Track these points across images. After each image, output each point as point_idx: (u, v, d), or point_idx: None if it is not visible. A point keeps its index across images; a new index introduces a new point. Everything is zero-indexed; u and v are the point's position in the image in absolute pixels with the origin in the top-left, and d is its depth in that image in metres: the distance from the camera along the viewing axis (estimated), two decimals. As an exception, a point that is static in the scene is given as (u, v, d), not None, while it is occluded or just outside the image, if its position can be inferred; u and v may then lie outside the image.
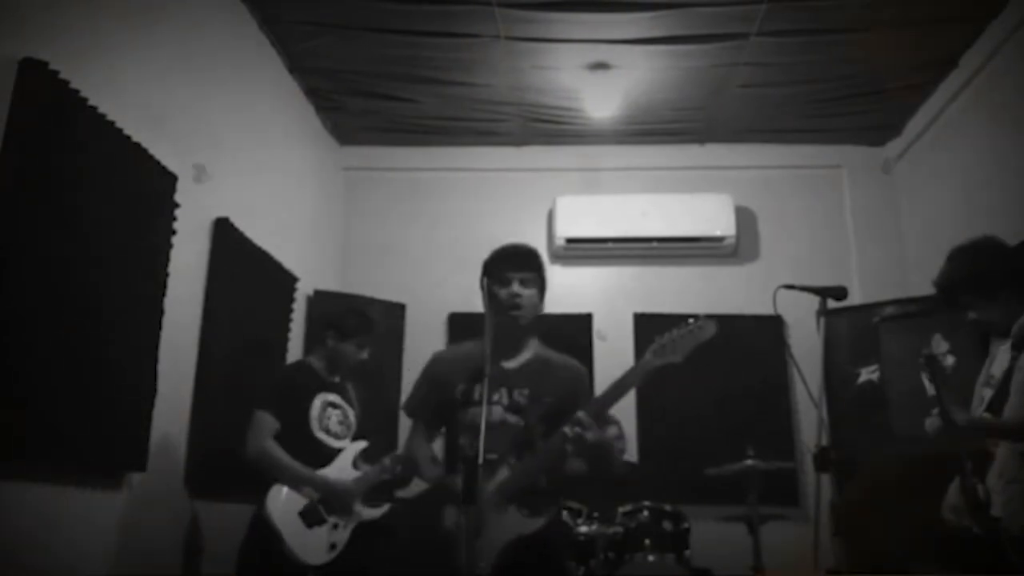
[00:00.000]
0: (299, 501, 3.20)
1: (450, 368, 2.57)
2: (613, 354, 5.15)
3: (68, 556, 2.68)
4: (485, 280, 2.45)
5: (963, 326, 2.75)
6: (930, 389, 2.51)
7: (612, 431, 4.11)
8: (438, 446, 2.63)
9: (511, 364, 2.47)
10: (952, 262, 2.74)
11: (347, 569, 3.25)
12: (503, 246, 2.60)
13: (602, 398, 2.37)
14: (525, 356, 2.53)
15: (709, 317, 2.36)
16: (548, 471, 2.45)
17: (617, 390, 2.36)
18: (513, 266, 2.51)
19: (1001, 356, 2.63)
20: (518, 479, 2.35)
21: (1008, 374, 2.54)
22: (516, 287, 2.46)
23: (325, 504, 3.25)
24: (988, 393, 2.63)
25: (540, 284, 2.55)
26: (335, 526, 3.27)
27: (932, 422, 2.56)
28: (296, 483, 3.22)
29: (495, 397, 2.37)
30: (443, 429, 2.62)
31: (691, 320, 2.36)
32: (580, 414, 2.30)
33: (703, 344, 2.33)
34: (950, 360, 2.81)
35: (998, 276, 2.62)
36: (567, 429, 2.28)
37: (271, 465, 3.21)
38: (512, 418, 2.43)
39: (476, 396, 2.42)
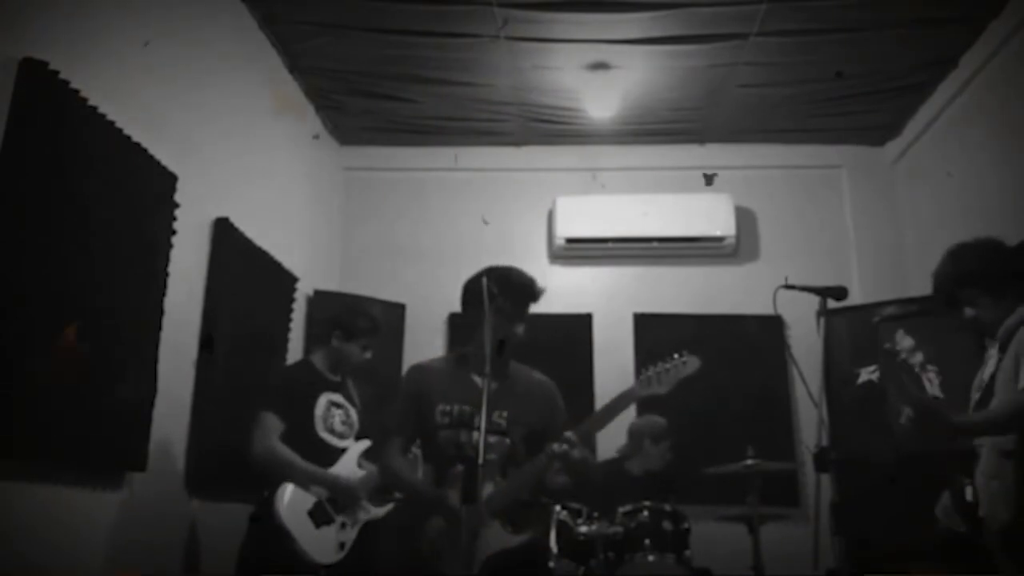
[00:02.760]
0: (306, 501, 3.20)
1: (430, 386, 2.60)
2: (613, 354, 5.17)
3: (68, 556, 2.68)
4: (493, 299, 2.46)
5: (959, 324, 2.75)
6: (894, 381, 2.56)
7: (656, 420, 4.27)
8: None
9: (491, 383, 2.48)
10: (954, 258, 2.73)
11: (356, 568, 3.26)
12: (522, 276, 2.64)
13: (590, 422, 2.48)
14: (502, 376, 2.57)
15: (692, 353, 2.50)
16: (533, 486, 2.50)
17: (606, 415, 2.48)
18: (526, 308, 2.58)
19: (992, 360, 2.64)
20: (504, 494, 2.40)
21: (993, 376, 2.57)
22: (517, 327, 2.54)
23: (333, 503, 3.26)
24: (978, 396, 2.64)
25: (528, 319, 2.64)
26: (343, 525, 3.28)
27: (907, 414, 2.59)
28: (306, 481, 3.22)
29: (475, 421, 2.41)
30: (416, 445, 2.66)
31: (676, 356, 2.49)
32: (568, 433, 2.41)
33: (687, 378, 2.48)
34: (919, 356, 2.84)
35: (1004, 275, 2.62)
36: (555, 446, 2.35)
37: (280, 464, 3.21)
38: (493, 439, 2.47)
39: (456, 419, 2.50)
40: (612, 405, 2.48)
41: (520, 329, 2.57)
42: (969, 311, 2.67)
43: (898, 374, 2.54)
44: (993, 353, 2.64)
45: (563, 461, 2.41)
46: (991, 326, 2.64)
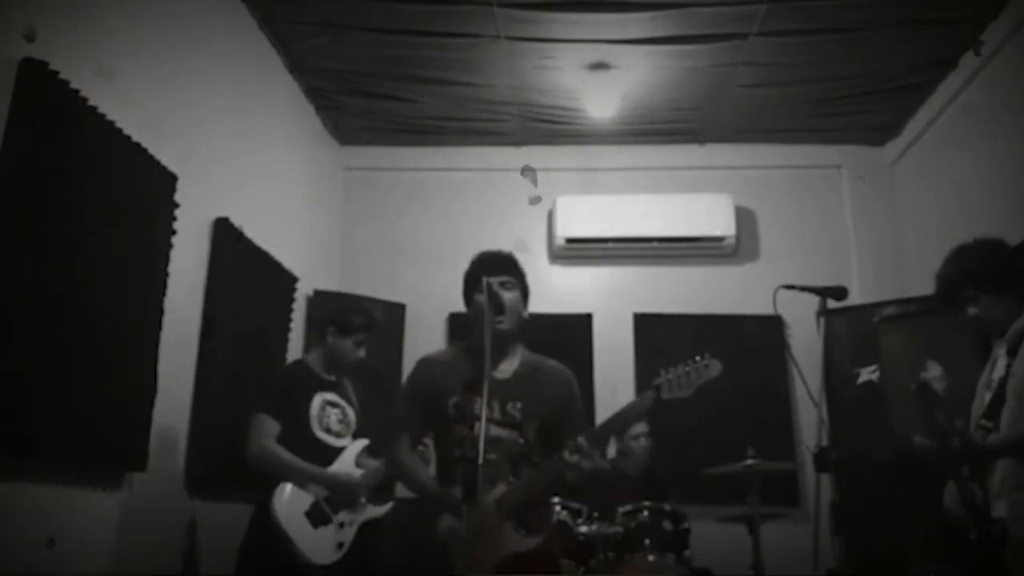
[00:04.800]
0: (304, 501, 3.20)
1: (439, 379, 2.52)
2: (613, 354, 5.17)
3: (68, 556, 2.68)
4: (468, 289, 2.46)
5: (962, 324, 2.75)
6: (924, 415, 2.53)
7: (640, 428, 4.26)
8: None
9: (500, 374, 2.43)
10: (957, 259, 2.73)
11: (354, 568, 3.25)
12: (479, 254, 2.60)
13: (604, 426, 2.39)
14: (513, 365, 2.50)
15: (715, 357, 2.37)
16: (548, 487, 2.44)
17: (620, 420, 2.39)
18: (491, 271, 2.47)
19: (1000, 361, 2.63)
20: (517, 496, 2.32)
21: (1004, 380, 2.55)
22: (496, 290, 2.42)
23: (331, 501, 3.26)
24: (987, 397, 2.63)
25: (521, 288, 2.54)
26: (341, 525, 3.27)
27: (922, 442, 2.55)
28: (302, 480, 3.22)
29: (487, 413, 2.31)
30: (427, 440, 2.62)
31: (699, 358, 2.36)
32: (580, 439, 2.29)
33: (710, 382, 2.34)
34: (942, 384, 2.86)
35: (1006, 275, 2.62)
36: (566, 454, 2.28)
37: (275, 464, 3.20)
38: (505, 433, 2.39)
39: (467, 411, 2.41)
40: (627, 409, 2.40)
41: (497, 290, 2.43)
42: (971, 310, 2.66)
43: (928, 406, 2.53)
44: (1001, 354, 2.62)
45: (574, 471, 2.33)
46: (994, 325, 2.64)
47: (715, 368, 2.35)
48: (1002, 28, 4.04)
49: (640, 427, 4.23)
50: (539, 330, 2.75)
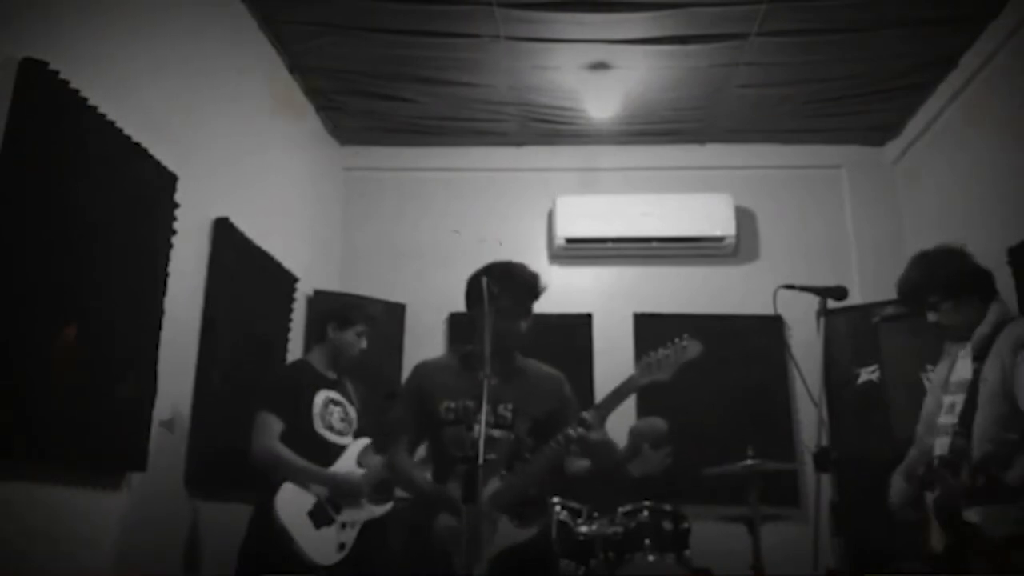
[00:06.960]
0: (307, 501, 3.20)
1: (434, 383, 2.58)
2: (613, 354, 5.17)
3: (68, 556, 2.68)
4: (493, 298, 2.45)
5: (925, 329, 2.78)
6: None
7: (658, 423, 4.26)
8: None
9: (493, 379, 2.44)
10: (914, 266, 2.83)
11: (356, 568, 3.25)
12: (523, 272, 2.63)
13: (597, 409, 2.43)
14: (507, 370, 2.55)
15: (693, 338, 2.44)
16: (545, 477, 2.47)
17: (609, 404, 2.43)
18: (527, 304, 2.57)
19: (961, 364, 2.68)
20: (511, 490, 2.38)
21: (973, 385, 2.57)
22: (520, 323, 2.53)
23: (332, 501, 3.26)
24: (949, 400, 2.66)
25: (532, 314, 2.62)
26: (343, 525, 3.27)
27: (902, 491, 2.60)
28: (305, 480, 3.22)
29: (479, 417, 2.37)
30: (423, 444, 2.65)
31: (677, 340, 2.42)
32: (585, 414, 2.37)
33: (688, 363, 2.41)
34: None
35: (962, 281, 2.70)
36: (571, 430, 2.33)
37: (280, 464, 3.21)
38: (498, 433, 2.45)
39: (461, 414, 2.48)
40: (613, 395, 2.44)
41: (523, 326, 2.56)
42: (932, 316, 2.74)
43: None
44: (964, 355, 2.68)
45: (582, 445, 2.38)
46: (953, 329, 2.71)
47: (693, 349, 2.42)
48: (1002, 28, 4.04)
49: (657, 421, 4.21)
50: (539, 330, 2.76)
